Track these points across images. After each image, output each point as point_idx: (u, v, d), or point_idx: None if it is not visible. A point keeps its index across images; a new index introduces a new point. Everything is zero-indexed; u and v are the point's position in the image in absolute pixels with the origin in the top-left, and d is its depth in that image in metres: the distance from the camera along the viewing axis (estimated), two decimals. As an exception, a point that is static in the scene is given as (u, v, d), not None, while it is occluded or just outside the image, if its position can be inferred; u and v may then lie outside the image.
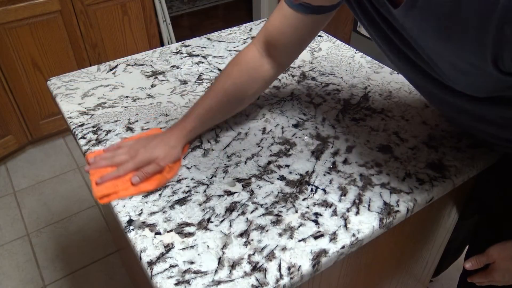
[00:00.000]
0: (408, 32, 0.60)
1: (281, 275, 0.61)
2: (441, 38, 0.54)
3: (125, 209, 0.72)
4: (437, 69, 0.62)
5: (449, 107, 0.75)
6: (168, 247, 0.65)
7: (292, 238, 0.66)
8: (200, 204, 0.72)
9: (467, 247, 0.97)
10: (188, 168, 0.80)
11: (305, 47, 0.85)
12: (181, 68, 1.10)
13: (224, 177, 0.78)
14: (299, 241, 0.66)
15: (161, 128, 0.88)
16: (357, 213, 0.70)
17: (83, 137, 0.88)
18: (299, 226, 0.68)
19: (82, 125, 0.91)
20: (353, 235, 0.67)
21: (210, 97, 0.81)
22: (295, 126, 0.90)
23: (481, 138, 0.83)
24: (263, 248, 0.65)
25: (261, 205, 0.72)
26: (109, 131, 0.89)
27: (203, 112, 0.81)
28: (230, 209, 0.71)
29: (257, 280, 0.61)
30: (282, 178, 0.77)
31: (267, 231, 0.68)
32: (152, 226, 0.69)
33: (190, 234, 0.67)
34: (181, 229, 0.68)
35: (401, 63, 0.71)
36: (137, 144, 0.79)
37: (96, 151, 0.83)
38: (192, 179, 0.77)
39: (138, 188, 0.74)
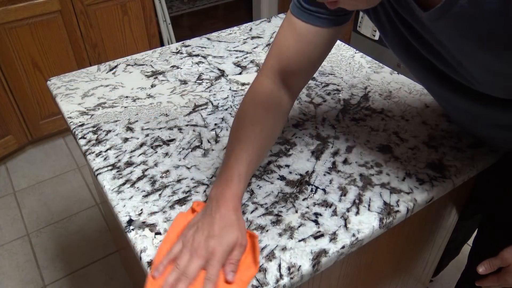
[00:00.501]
0: (436, 36, 0.57)
1: (281, 275, 0.61)
2: (480, 39, 0.51)
3: (125, 209, 0.72)
4: (464, 71, 0.60)
5: (460, 110, 0.74)
6: (168, 247, 0.65)
7: (292, 238, 0.66)
8: (200, 204, 0.72)
9: (471, 247, 0.96)
10: (188, 168, 0.80)
11: (321, 63, 0.76)
12: (181, 68, 1.10)
13: (224, 177, 0.77)
14: (299, 241, 0.66)
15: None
16: (357, 213, 0.70)
17: (83, 137, 0.88)
18: (299, 226, 0.68)
19: (82, 125, 0.91)
20: (353, 235, 0.67)
21: (245, 150, 0.69)
22: (295, 126, 0.90)
23: (482, 139, 0.83)
24: (263, 248, 0.65)
25: (261, 205, 0.72)
26: (109, 131, 0.89)
27: (245, 169, 0.68)
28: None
29: (257, 280, 0.61)
30: (282, 178, 0.77)
31: (267, 231, 0.68)
32: (152, 226, 0.68)
33: (190, 234, 0.67)
34: (181, 229, 0.68)
35: (415, 65, 0.69)
36: (198, 241, 0.61)
37: (150, 281, 0.60)
38: (192, 179, 0.77)
39: (243, 282, 0.60)
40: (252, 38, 1.24)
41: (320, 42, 0.70)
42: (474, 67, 0.57)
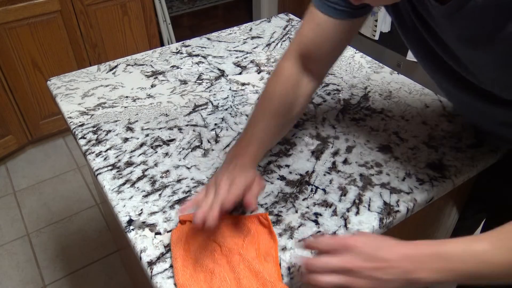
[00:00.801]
0: (449, 31, 0.57)
1: (281, 275, 0.61)
2: (496, 32, 0.50)
3: (125, 209, 0.72)
4: (475, 70, 0.60)
5: (469, 106, 0.74)
6: (168, 247, 0.65)
7: (292, 238, 0.66)
8: (200, 204, 0.72)
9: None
10: (188, 168, 0.80)
11: (342, 52, 0.78)
12: (181, 68, 1.10)
13: (224, 177, 0.77)
14: (299, 241, 0.66)
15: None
16: (357, 213, 0.70)
17: (83, 137, 0.88)
18: (299, 226, 0.68)
19: (82, 125, 0.91)
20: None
21: (263, 120, 0.73)
22: (295, 126, 0.90)
23: (491, 135, 0.82)
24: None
25: (261, 205, 0.72)
26: (109, 131, 0.89)
27: (263, 135, 0.72)
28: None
29: (257, 280, 0.61)
30: (282, 178, 0.77)
31: (267, 231, 0.68)
32: (152, 226, 0.69)
33: (190, 234, 0.67)
34: (181, 229, 0.68)
35: (430, 64, 0.69)
36: (221, 182, 0.65)
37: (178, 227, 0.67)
38: (192, 179, 0.77)
39: (273, 257, 0.64)
40: (252, 38, 1.24)
41: (335, 33, 0.71)
42: (486, 64, 0.57)
